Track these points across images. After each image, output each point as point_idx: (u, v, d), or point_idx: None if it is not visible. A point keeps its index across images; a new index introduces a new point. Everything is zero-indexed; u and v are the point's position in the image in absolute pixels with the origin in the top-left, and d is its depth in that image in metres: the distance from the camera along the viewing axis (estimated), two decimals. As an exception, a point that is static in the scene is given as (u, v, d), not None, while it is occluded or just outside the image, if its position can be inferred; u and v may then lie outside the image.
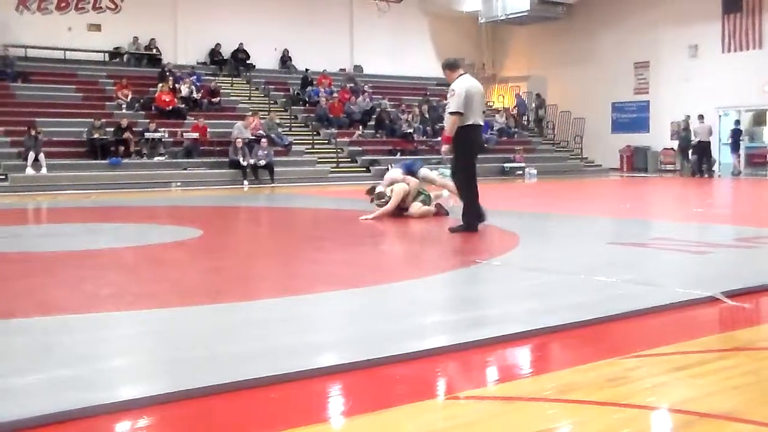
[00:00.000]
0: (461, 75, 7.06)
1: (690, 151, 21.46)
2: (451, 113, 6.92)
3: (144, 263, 5.60)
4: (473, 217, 6.96)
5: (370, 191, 8.94)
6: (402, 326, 3.42)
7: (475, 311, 3.79)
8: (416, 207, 8.62)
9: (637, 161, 24.37)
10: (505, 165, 21.86)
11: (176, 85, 20.19)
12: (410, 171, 9.10)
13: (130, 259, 5.75)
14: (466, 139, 6.91)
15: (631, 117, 25.27)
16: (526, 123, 26.35)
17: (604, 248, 6.10)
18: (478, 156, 7.23)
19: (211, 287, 4.57)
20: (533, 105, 26.77)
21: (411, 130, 21.67)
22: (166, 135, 18.17)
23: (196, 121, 18.82)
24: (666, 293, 4.06)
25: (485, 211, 7.15)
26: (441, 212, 8.80)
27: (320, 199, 12.80)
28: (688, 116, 22.19)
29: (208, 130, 18.76)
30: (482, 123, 7.11)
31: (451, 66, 7.17)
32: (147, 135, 17.81)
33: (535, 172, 21.35)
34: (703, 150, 20.68)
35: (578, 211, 10.03)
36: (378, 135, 21.81)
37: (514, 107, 26.57)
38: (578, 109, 25.93)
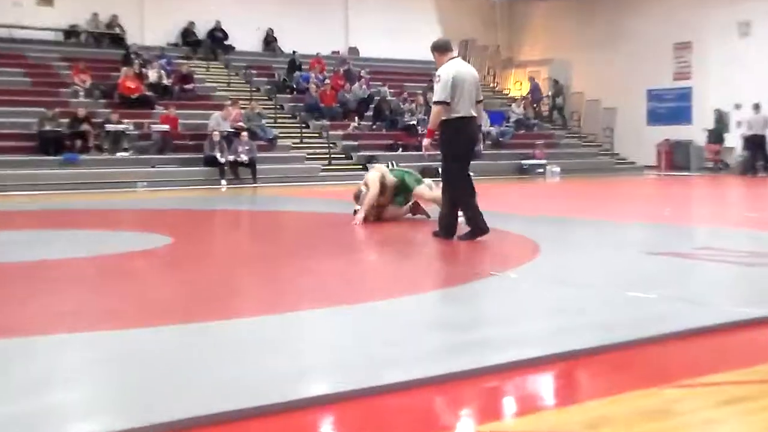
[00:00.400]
0: (452, 59, 7.00)
1: (741, 146, 21.42)
2: (435, 102, 6.90)
3: (105, 276, 5.59)
4: (450, 222, 6.96)
5: (357, 196, 8.99)
6: (404, 349, 3.40)
7: (489, 331, 3.77)
8: (392, 209, 8.77)
9: (677, 158, 24.34)
10: (523, 162, 21.89)
11: (143, 70, 20.21)
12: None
13: (89, 272, 5.74)
14: (454, 134, 6.81)
15: (670, 106, 25.29)
16: (543, 113, 26.33)
17: (640, 259, 6.09)
18: (470, 159, 7.02)
19: (183, 304, 4.56)
20: (549, 92, 26.79)
21: (414, 122, 21.68)
22: (131, 127, 18.17)
23: (166, 111, 18.83)
24: (713, 312, 4.05)
25: (483, 221, 6.98)
26: (420, 213, 8.88)
27: (309, 201, 12.80)
28: (738, 105, 22.17)
29: (180, 121, 18.76)
30: (474, 115, 6.93)
31: (439, 48, 7.10)
32: (108, 127, 17.81)
33: (558, 170, 21.34)
34: (758, 144, 20.55)
35: (608, 215, 10.03)
36: (376, 127, 21.85)
37: (528, 94, 26.61)
38: (608, 98, 25.99)
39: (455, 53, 7.17)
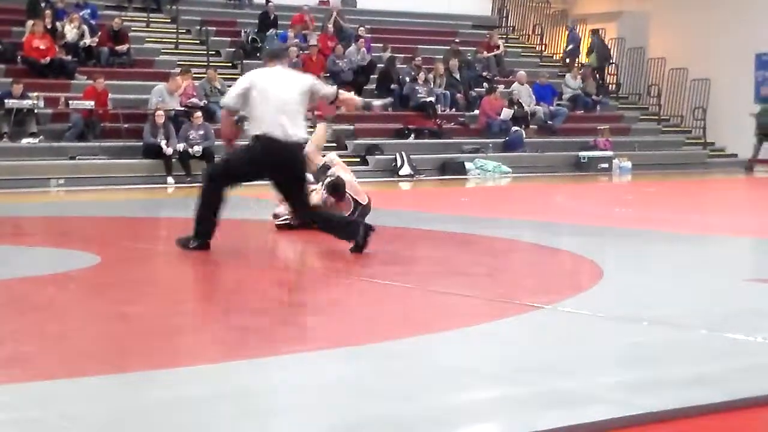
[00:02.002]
0: (274, 68, 7.98)
1: None
2: (221, 106, 7.86)
3: (7, 310, 5.57)
4: (203, 234, 7.71)
5: None
6: (421, 408, 3.41)
7: (538, 385, 3.78)
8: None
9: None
10: (581, 154, 21.89)
11: (56, 24, 20.20)
12: None
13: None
14: (258, 154, 7.55)
15: (788, 78, 25.36)
16: (609, 85, 26.34)
17: (741, 287, 6.09)
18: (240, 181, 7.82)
19: (114, 347, 4.55)
20: (590, 49, 26.49)
21: (432, 99, 21.71)
22: (42, 104, 18.18)
23: (90, 82, 18.86)
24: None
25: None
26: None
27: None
28: None
29: (111, 96, 18.75)
30: (293, 141, 7.46)
31: (269, 56, 8.46)
32: (9, 104, 17.76)
33: (628, 165, 21.34)
34: None
35: (697, 227, 10.04)
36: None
37: (567, 52, 26.49)
38: (700, 66, 25.97)
39: (279, 64, 8.15)
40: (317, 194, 8.81)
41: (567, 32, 27.50)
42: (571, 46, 26.91)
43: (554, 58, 27.75)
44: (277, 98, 7.44)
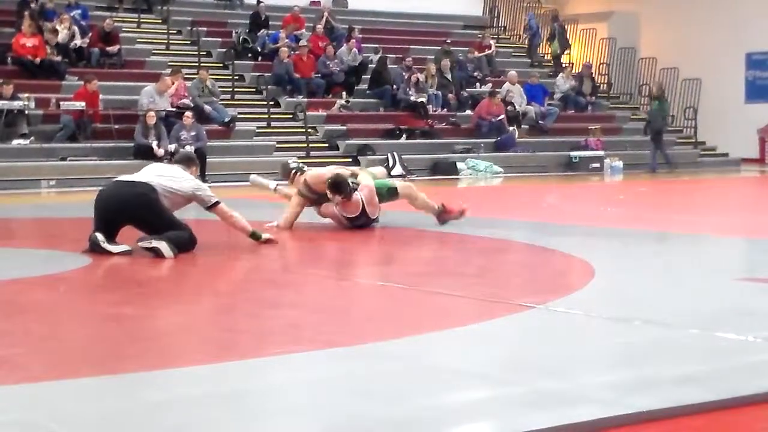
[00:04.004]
0: None
1: None
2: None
3: (-3, 310, 5.57)
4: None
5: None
6: (412, 408, 3.41)
7: (529, 385, 3.78)
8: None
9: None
10: (573, 154, 21.92)
11: (47, 24, 20.15)
12: None
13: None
14: None
15: (779, 78, 25.43)
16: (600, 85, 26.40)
17: (732, 287, 6.09)
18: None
19: (105, 348, 4.55)
20: (547, 34, 26.58)
21: (423, 99, 21.73)
22: (33, 105, 18.16)
23: (81, 83, 18.83)
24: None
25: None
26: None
27: (279, 207, 12.76)
28: None
29: (102, 97, 18.73)
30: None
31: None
32: (0, 105, 17.76)
33: (620, 164, 21.35)
34: None
35: (688, 227, 10.05)
36: (371, 106, 21.91)
37: (525, 38, 26.51)
38: (690, 66, 26.00)
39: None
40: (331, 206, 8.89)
41: (526, 20, 27.52)
42: (527, 36, 26.93)
43: (545, 58, 27.76)
44: None
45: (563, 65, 26.21)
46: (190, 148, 17.55)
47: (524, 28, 27.24)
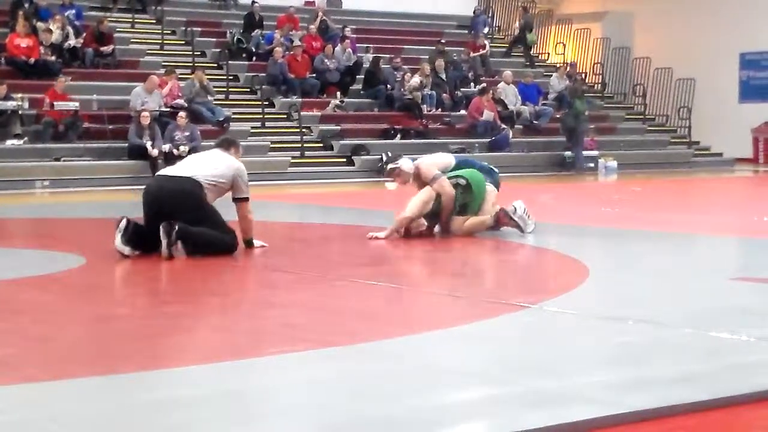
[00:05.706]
0: None
1: None
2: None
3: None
4: None
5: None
6: (408, 408, 3.42)
7: (524, 385, 3.79)
8: (459, 221, 8.53)
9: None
10: (566, 153, 21.92)
11: (40, 24, 20.12)
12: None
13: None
14: None
15: (772, 77, 25.44)
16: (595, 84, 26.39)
17: (726, 286, 6.10)
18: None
19: (100, 349, 4.55)
20: (524, 31, 26.62)
21: (418, 99, 21.73)
22: (26, 105, 18.11)
23: (75, 83, 18.81)
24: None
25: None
26: (508, 224, 8.66)
27: (273, 206, 12.79)
28: None
29: (96, 97, 18.70)
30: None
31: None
32: (-7, 105, 17.74)
33: (614, 164, 21.33)
34: None
35: (682, 227, 10.05)
36: (365, 106, 21.90)
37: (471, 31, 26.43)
38: (684, 66, 25.99)
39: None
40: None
41: (475, 12, 27.49)
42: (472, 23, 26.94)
43: (540, 57, 27.77)
44: None
45: (557, 65, 26.15)
46: (184, 148, 17.56)
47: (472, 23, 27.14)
